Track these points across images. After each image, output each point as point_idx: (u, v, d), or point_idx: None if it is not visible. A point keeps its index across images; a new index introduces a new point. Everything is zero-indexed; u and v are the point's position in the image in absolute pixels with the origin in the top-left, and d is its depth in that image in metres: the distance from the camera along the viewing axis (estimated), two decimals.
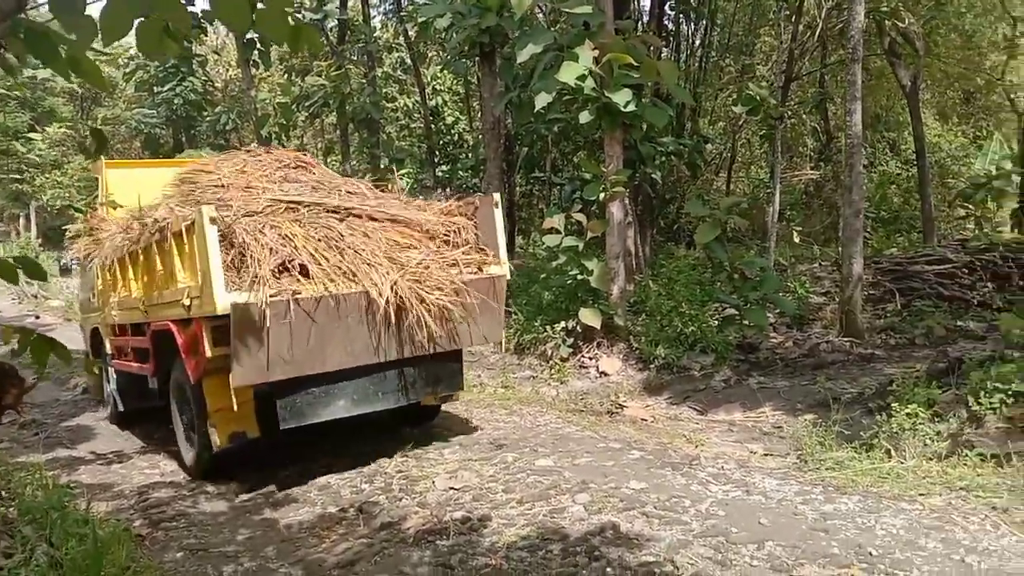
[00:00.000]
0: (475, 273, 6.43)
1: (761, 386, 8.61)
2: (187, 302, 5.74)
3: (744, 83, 16.51)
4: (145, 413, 8.61)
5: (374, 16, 24.11)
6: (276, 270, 5.56)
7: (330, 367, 5.78)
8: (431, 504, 5.45)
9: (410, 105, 25.42)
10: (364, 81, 19.01)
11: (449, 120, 23.90)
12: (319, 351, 5.65)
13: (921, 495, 4.79)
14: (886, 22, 14.55)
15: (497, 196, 6.77)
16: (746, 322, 9.99)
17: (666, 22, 16.35)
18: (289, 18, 2.45)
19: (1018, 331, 6.52)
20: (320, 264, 5.75)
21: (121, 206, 7.69)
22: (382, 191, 7.29)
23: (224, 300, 5.28)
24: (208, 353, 5.67)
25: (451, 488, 5.74)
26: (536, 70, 10.19)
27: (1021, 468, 4.96)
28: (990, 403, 5.55)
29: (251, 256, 5.49)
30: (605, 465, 5.93)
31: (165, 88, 30.99)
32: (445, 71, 22.64)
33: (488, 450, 6.68)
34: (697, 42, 17.92)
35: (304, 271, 5.67)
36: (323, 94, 17.09)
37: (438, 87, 24.39)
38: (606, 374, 9.56)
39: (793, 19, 16.08)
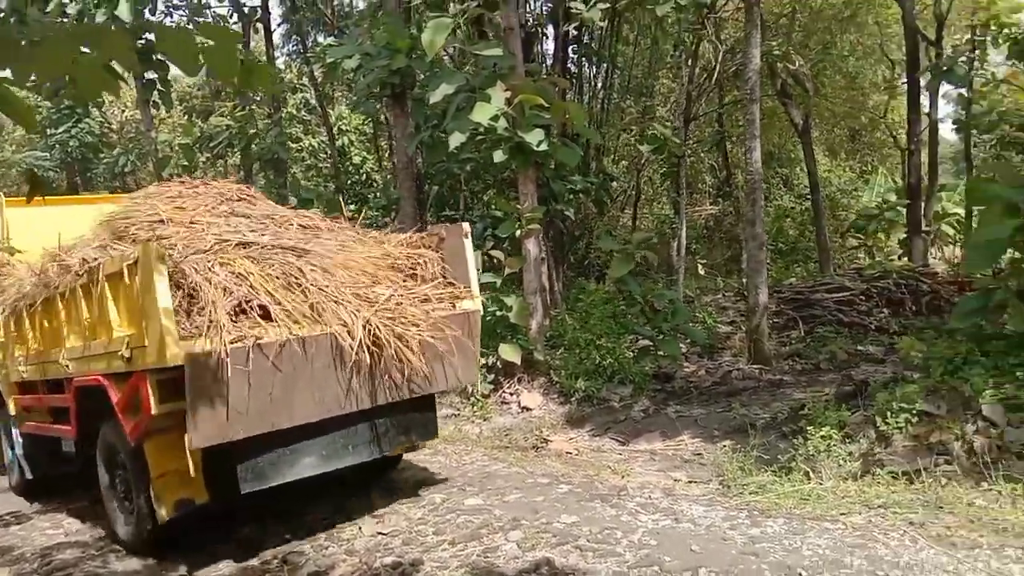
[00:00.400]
0: (449, 309, 5.97)
1: (679, 414, 8.81)
2: (127, 353, 5.08)
3: (647, 123, 17.04)
4: (53, 480, 7.86)
5: (278, 57, 23.92)
6: (233, 313, 4.98)
7: (298, 420, 5.19)
8: (359, 551, 5.31)
9: (315, 145, 25.17)
10: (270, 121, 18.78)
11: (357, 160, 23.74)
12: (286, 403, 5.07)
13: (842, 514, 4.96)
14: (778, 65, 15.39)
15: (467, 226, 6.25)
16: (660, 352, 10.26)
17: (569, 65, 16.74)
18: (239, 56, 2.40)
19: (916, 353, 6.88)
20: (282, 304, 5.16)
21: (20, 251, 7.20)
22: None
23: (177, 349, 4.66)
24: (153, 411, 4.96)
25: (379, 533, 5.62)
26: (448, 111, 10.28)
27: (931, 483, 5.22)
28: (896, 423, 5.84)
29: (204, 298, 4.90)
30: (535, 501, 5.92)
31: (60, 130, 29.69)
32: (352, 112, 22.55)
33: (415, 491, 6.57)
34: (599, 84, 18.39)
35: (264, 312, 5.09)
36: (228, 135, 16.82)
37: (344, 127, 24.24)
38: (528, 409, 9.59)
39: (690, 63, 16.81)
